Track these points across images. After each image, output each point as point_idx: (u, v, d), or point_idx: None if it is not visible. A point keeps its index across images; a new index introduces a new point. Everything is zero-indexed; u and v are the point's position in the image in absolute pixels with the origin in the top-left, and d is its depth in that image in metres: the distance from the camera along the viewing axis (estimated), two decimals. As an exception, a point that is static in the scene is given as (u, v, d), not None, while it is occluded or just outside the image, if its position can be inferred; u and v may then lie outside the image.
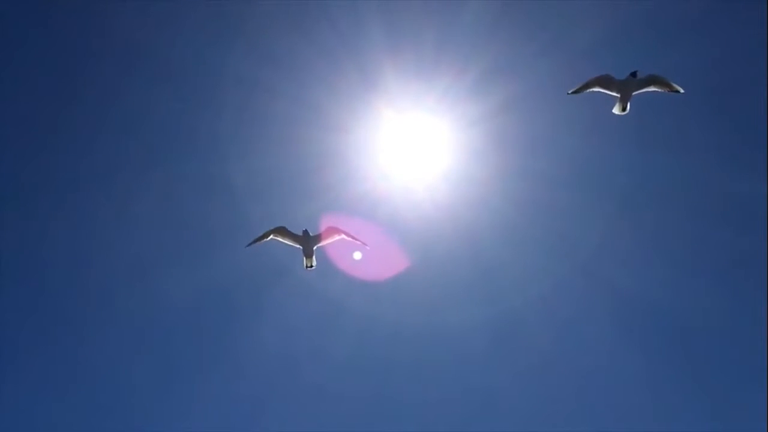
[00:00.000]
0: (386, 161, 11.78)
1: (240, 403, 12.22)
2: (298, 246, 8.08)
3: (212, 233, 11.95)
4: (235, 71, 11.30)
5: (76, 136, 11.96)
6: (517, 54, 11.16)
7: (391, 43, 11.30)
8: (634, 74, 7.34)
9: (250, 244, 7.99)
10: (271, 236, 7.96)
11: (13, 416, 11.55)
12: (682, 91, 7.33)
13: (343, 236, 7.99)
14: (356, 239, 8.02)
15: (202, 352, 12.37)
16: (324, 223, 8.15)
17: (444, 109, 11.37)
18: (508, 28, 11.20)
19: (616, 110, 7.57)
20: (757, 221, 10.98)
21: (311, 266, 8.24)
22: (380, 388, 12.27)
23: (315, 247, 8.11)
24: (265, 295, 12.17)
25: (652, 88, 7.38)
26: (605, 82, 7.40)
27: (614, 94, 7.45)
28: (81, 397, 12.01)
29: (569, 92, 7.46)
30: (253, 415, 12.15)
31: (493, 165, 11.52)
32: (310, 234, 8.00)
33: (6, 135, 11.80)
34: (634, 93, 7.40)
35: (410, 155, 11.78)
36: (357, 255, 11.33)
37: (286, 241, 8.04)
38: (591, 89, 7.43)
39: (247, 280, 12.14)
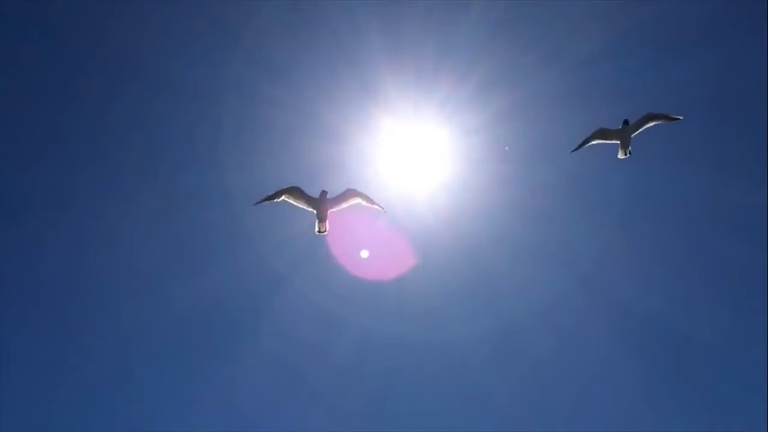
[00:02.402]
0: (385, 170, 11.74)
1: (239, 411, 12.16)
2: (311, 210, 7.49)
3: (211, 243, 11.92)
4: (234, 81, 11.29)
5: (73, 146, 11.95)
6: (517, 63, 11.19)
7: (390, 52, 11.32)
8: (626, 122, 7.46)
9: (258, 203, 7.42)
10: (283, 197, 7.38)
11: (12, 421, 11.49)
12: (681, 118, 7.37)
13: (360, 200, 7.47)
14: (374, 203, 7.47)
15: (202, 361, 12.32)
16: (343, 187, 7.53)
17: (443, 117, 11.38)
18: (508, 38, 11.24)
19: (620, 155, 7.66)
20: (757, 232, 11.00)
21: (324, 231, 7.61)
22: (379, 398, 12.23)
23: (329, 212, 7.51)
24: (264, 305, 12.14)
25: (651, 124, 7.45)
26: (602, 134, 7.55)
27: (615, 141, 7.56)
28: (80, 404, 11.93)
29: (571, 151, 7.62)
30: (252, 423, 12.08)
31: (492, 174, 11.50)
32: (328, 196, 7.43)
33: (3, 145, 11.75)
34: (633, 135, 7.50)
35: (409, 164, 11.75)
36: (364, 253, 11.34)
37: (298, 204, 7.45)
38: (591, 143, 7.58)
39: (246, 289, 12.12)
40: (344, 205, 7.54)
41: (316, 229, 7.63)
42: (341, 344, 11.96)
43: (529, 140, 11.21)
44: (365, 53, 11.29)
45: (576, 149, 7.57)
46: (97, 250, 11.81)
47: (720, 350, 11.76)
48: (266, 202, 7.41)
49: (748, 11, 10.65)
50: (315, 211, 7.51)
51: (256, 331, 12.13)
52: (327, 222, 7.59)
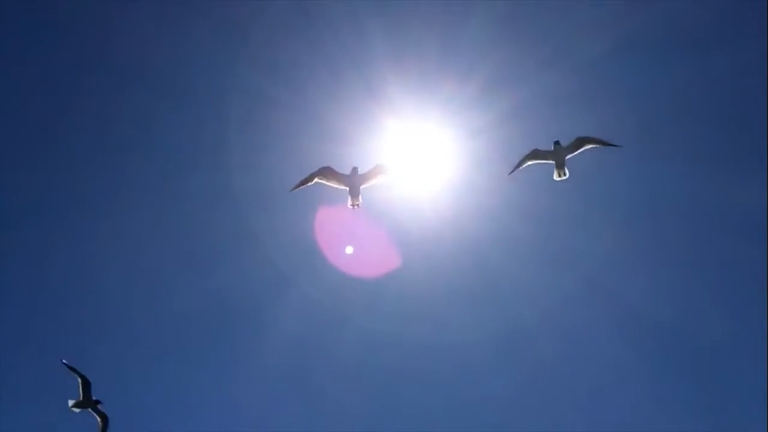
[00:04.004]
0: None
1: (242, 411, 12.18)
2: (344, 187, 7.71)
3: (216, 243, 11.99)
4: (239, 83, 11.38)
5: (81, 148, 12.08)
6: (521, 63, 11.18)
7: (394, 53, 11.35)
8: (557, 143, 7.58)
9: (293, 189, 7.61)
10: (316, 179, 7.59)
11: (14, 422, 11.59)
12: (618, 145, 7.46)
13: (389, 175, 7.67)
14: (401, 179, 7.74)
15: (205, 361, 12.36)
16: (373, 163, 7.75)
17: (447, 118, 11.35)
18: (512, 38, 11.24)
19: (555, 176, 7.75)
20: (764, 232, 10.86)
21: (357, 205, 7.80)
22: (383, 401, 12.21)
23: (362, 187, 7.71)
24: (268, 304, 12.18)
25: (587, 147, 7.54)
26: (537, 155, 7.66)
27: (550, 162, 7.66)
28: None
29: (508, 174, 7.72)
30: (256, 421, 12.11)
31: (496, 175, 11.37)
32: (359, 172, 7.65)
33: (12, 147, 11.92)
34: (567, 157, 7.60)
35: (413, 165, 11.70)
36: (348, 249, 11.39)
37: (331, 183, 7.66)
38: (528, 164, 7.68)
39: (250, 289, 12.18)
40: (375, 181, 7.73)
41: (349, 203, 7.81)
42: (345, 345, 11.97)
43: (533, 141, 11.09)
44: (369, 55, 11.35)
45: (512, 171, 7.71)
46: (104, 249, 11.93)
47: (729, 353, 11.67)
48: (301, 186, 7.61)
49: (752, 14, 10.59)
50: (348, 188, 7.71)
51: (261, 330, 12.18)
52: (360, 197, 7.76)
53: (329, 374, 12.02)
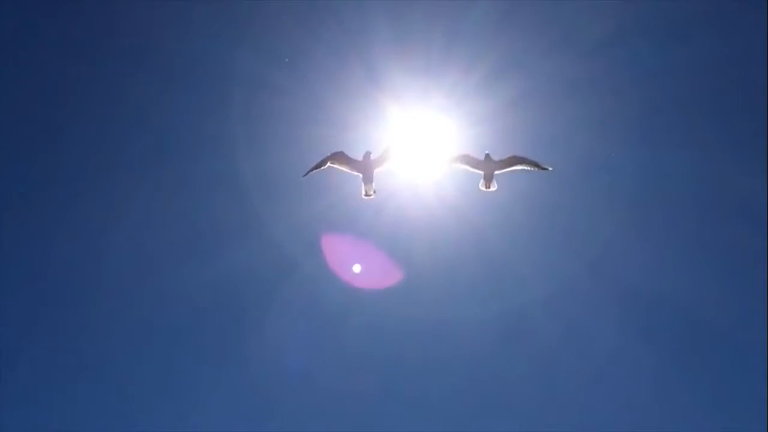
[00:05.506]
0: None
1: (247, 402, 12.28)
2: (356, 173, 7.51)
3: (219, 231, 12.00)
4: (242, 70, 11.32)
5: (82, 134, 12.04)
6: (527, 51, 11.11)
7: (398, 40, 11.26)
8: (488, 156, 7.48)
9: (306, 174, 7.42)
10: (329, 164, 7.39)
11: (16, 413, 11.65)
12: (550, 169, 7.33)
13: (399, 158, 7.57)
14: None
15: (210, 350, 12.44)
16: (384, 145, 7.63)
17: (451, 106, 11.29)
18: (518, 25, 11.16)
19: (482, 187, 7.64)
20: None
21: (371, 194, 7.63)
22: (387, 386, 12.31)
23: (375, 172, 7.53)
24: (274, 293, 12.21)
25: (518, 168, 7.40)
26: (466, 160, 7.56)
27: (479, 171, 7.53)
28: (85, 395, 12.06)
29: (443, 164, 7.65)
30: (261, 414, 12.20)
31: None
32: (372, 157, 7.47)
33: (13, 133, 11.88)
34: (497, 172, 7.45)
35: (417, 153, 11.67)
36: (356, 268, 11.42)
37: (344, 168, 7.47)
38: (457, 165, 7.60)
39: (255, 277, 12.22)
40: (387, 165, 7.57)
41: (363, 193, 7.61)
42: (350, 331, 12.06)
43: (538, 128, 11.14)
44: (373, 41, 11.26)
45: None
46: (105, 236, 11.95)
47: (733, 338, 11.73)
48: (314, 171, 7.41)
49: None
50: (360, 174, 7.51)
51: (265, 319, 12.24)
52: (374, 184, 7.56)
53: (334, 360, 12.14)
